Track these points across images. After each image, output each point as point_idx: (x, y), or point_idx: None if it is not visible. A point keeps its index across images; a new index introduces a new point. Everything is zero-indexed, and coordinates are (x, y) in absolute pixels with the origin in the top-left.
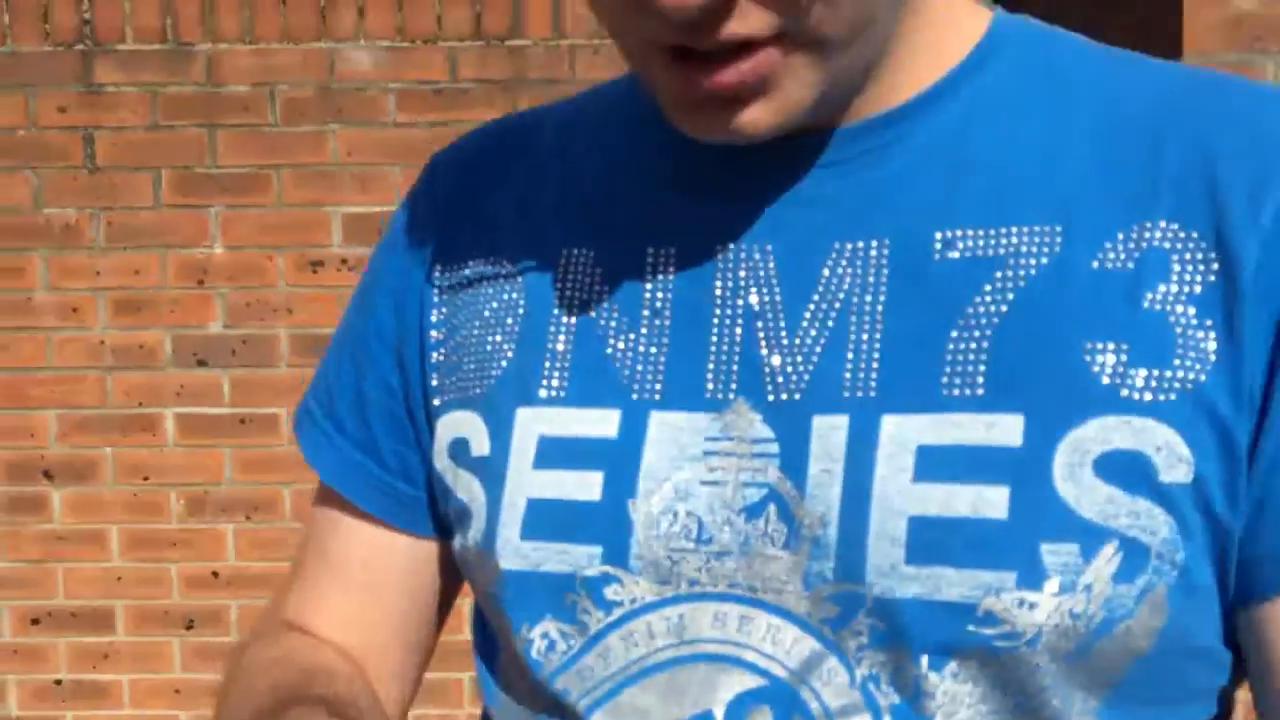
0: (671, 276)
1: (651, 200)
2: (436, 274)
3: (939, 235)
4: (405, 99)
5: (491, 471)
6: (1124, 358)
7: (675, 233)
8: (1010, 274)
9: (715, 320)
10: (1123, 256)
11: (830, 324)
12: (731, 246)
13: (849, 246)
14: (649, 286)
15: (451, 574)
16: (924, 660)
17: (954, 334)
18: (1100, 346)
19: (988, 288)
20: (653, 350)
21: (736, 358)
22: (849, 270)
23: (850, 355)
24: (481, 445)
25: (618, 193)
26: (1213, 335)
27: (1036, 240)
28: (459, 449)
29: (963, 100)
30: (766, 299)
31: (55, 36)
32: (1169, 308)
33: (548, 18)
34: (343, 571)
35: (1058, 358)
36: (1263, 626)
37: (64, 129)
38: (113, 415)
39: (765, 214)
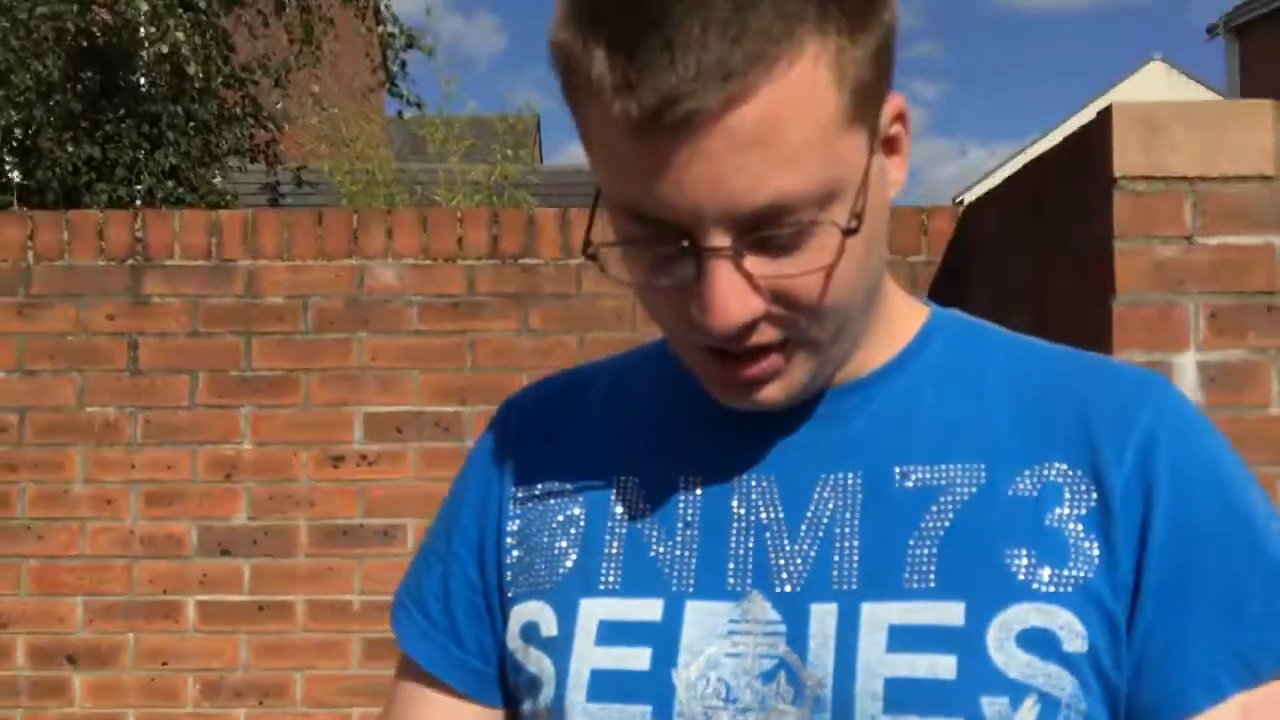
0: (699, 496)
1: (682, 438)
2: (512, 490)
3: (898, 469)
4: (427, 311)
5: (560, 648)
6: (1034, 560)
7: (701, 463)
8: (951, 499)
9: (733, 531)
10: (1030, 487)
11: (820, 534)
12: (744, 475)
13: (832, 477)
14: (681, 504)
15: None
16: None
17: (911, 542)
18: (1017, 552)
19: (934, 508)
20: (685, 554)
21: (750, 559)
22: (833, 495)
23: (836, 558)
24: (550, 628)
25: (657, 432)
26: (1096, 545)
27: (968, 474)
28: (530, 631)
29: (909, 372)
30: (771, 515)
31: (109, 252)
32: (1064, 525)
33: (557, 239)
34: None
35: (987, 560)
36: None
37: (111, 335)
38: (137, 602)
39: (771, 452)
